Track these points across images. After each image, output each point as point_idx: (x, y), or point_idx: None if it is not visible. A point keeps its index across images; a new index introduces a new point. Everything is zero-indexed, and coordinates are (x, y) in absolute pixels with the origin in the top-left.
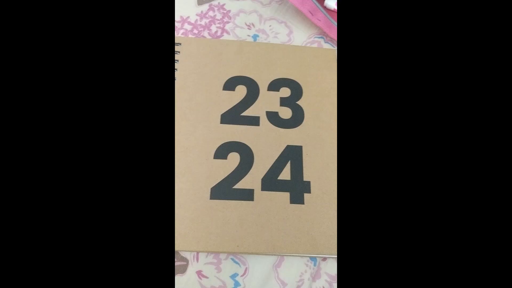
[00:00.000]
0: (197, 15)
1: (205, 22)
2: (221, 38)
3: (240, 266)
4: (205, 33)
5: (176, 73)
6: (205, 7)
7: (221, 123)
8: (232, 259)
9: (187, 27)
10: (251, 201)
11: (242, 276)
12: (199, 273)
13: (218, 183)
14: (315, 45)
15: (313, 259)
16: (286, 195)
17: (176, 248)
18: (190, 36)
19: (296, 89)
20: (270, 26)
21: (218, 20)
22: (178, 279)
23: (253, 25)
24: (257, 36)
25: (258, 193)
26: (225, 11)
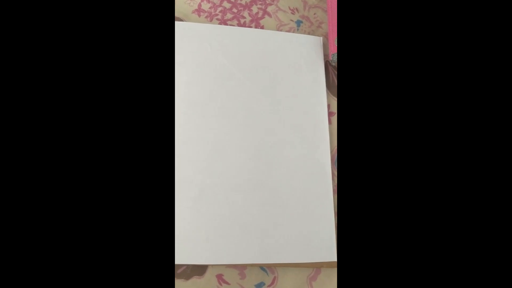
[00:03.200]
0: None
1: (245, 1)
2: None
3: (267, 274)
4: (245, 13)
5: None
6: None
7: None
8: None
9: (226, 5)
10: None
11: (269, 286)
12: (219, 277)
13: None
14: None
15: None
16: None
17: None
18: (228, 14)
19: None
20: (314, 14)
21: (260, 1)
22: (195, 282)
23: (297, 10)
24: (301, 22)
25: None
26: None
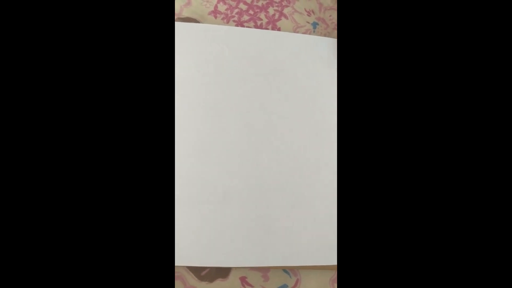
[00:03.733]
0: None
1: (262, 3)
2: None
3: (290, 277)
4: (262, 15)
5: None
6: None
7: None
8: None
9: (243, 6)
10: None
11: None
12: (243, 279)
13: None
14: None
15: None
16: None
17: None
18: (245, 16)
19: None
20: (330, 16)
21: (276, 2)
22: (219, 284)
23: (313, 12)
24: (317, 24)
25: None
26: None
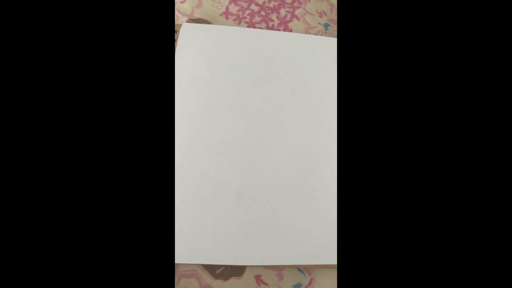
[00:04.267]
0: None
1: (273, 4)
2: (289, 23)
3: (304, 275)
4: (273, 16)
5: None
6: None
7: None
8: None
9: (254, 8)
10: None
11: (306, 287)
12: (257, 278)
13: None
14: None
15: None
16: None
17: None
18: (256, 17)
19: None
20: None
21: (288, 4)
22: (234, 282)
23: (324, 13)
24: (328, 25)
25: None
26: None
